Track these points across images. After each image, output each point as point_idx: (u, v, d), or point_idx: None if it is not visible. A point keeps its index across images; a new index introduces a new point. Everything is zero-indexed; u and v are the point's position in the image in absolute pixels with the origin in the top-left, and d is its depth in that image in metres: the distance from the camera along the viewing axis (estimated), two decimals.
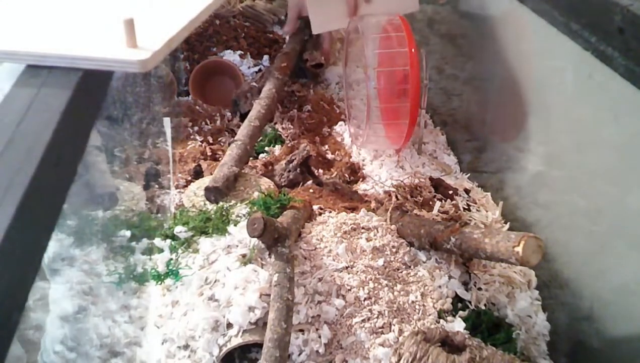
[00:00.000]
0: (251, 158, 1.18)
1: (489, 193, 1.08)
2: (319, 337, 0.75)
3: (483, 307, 0.82)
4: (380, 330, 0.77)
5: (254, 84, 1.32)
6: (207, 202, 0.97)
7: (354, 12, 1.30)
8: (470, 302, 0.82)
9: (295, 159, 1.06)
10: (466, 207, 1.01)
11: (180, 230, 0.90)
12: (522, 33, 0.95)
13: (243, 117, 1.21)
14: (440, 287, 0.83)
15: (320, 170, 1.13)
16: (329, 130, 1.29)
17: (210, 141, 1.23)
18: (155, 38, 0.65)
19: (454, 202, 1.01)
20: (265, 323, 0.70)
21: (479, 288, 0.85)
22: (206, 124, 1.29)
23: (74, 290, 0.83)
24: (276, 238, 0.78)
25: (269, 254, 0.81)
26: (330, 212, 0.96)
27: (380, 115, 1.12)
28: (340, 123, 1.31)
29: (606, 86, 0.71)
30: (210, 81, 1.41)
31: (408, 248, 0.88)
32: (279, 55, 1.37)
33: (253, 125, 1.13)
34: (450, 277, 0.85)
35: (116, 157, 1.08)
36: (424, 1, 1.48)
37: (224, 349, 0.73)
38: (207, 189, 0.96)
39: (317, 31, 1.34)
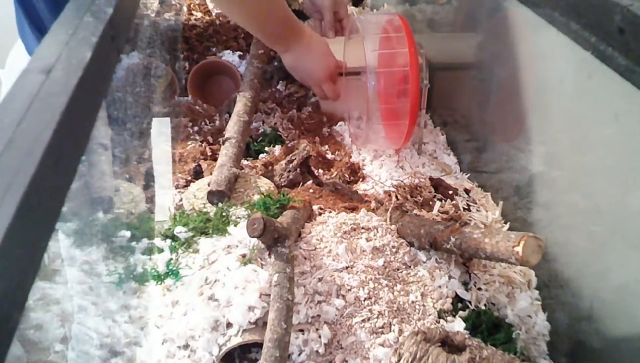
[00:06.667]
0: (251, 158, 1.18)
1: (489, 194, 1.08)
2: (319, 337, 0.75)
3: (483, 307, 0.82)
4: (380, 330, 0.77)
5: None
6: (207, 204, 0.97)
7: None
8: (470, 302, 0.82)
9: (295, 159, 1.06)
10: (466, 207, 1.01)
11: (180, 230, 0.90)
12: (522, 33, 0.95)
13: None
14: (440, 287, 0.83)
15: (320, 170, 1.13)
16: (329, 130, 1.29)
17: (210, 141, 1.23)
18: None
19: (454, 202, 1.01)
20: (265, 323, 0.70)
21: (479, 288, 0.85)
22: (206, 124, 1.29)
23: (74, 290, 0.83)
24: (276, 238, 0.78)
25: (269, 254, 0.81)
26: (330, 212, 0.96)
27: (380, 115, 1.12)
28: (340, 123, 1.31)
29: (606, 86, 0.71)
30: (209, 81, 1.41)
31: (408, 248, 0.88)
32: (254, 42, 1.37)
33: (242, 121, 1.13)
34: (450, 277, 0.85)
35: (116, 157, 1.08)
36: (423, 1, 1.48)
37: (224, 348, 0.73)
38: (210, 193, 0.96)
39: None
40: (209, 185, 0.98)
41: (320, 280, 0.81)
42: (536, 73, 0.91)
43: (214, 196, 0.96)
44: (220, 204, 0.95)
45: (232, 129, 1.11)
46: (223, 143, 1.08)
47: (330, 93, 1.20)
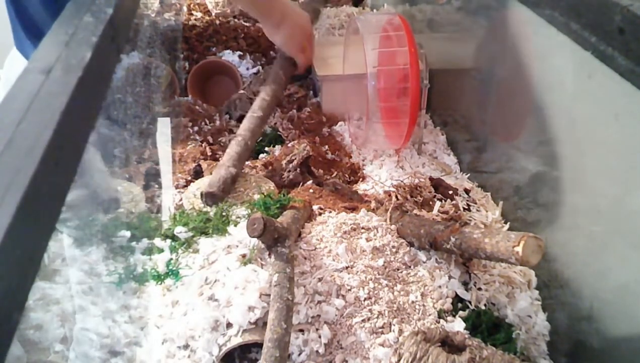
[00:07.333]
0: (251, 158, 1.18)
1: (489, 194, 1.08)
2: (319, 337, 0.75)
3: (483, 307, 0.82)
4: (380, 330, 0.77)
5: (242, 91, 1.32)
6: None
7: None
8: (470, 302, 0.82)
9: (295, 159, 1.06)
10: (466, 207, 1.01)
11: (180, 230, 0.90)
12: (522, 33, 0.95)
13: (240, 120, 1.21)
14: (440, 287, 0.83)
15: (320, 170, 1.13)
16: (328, 130, 1.29)
17: (210, 141, 1.23)
18: None
19: (454, 202, 1.01)
20: (265, 323, 0.70)
21: (479, 288, 0.85)
22: (206, 124, 1.29)
23: (74, 290, 0.83)
24: (276, 238, 0.78)
25: (269, 254, 0.81)
26: (330, 212, 0.96)
27: (380, 114, 1.12)
28: (340, 123, 1.31)
29: (606, 86, 0.71)
30: (209, 81, 1.41)
31: (408, 248, 0.88)
32: None
33: (255, 116, 1.08)
34: (450, 277, 0.85)
35: (116, 157, 1.08)
36: (423, 1, 1.48)
37: (224, 349, 0.73)
38: (202, 195, 0.95)
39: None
40: None
41: (320, 280, 0.81)
42: (536, 73, 0.91)
43: (207, 197, 0.95)
44: (214, 205, 0.94)
45: (243, 126, 1.06)
46: (230, 142, 1.06)
47: (308, 57, 1.20)
